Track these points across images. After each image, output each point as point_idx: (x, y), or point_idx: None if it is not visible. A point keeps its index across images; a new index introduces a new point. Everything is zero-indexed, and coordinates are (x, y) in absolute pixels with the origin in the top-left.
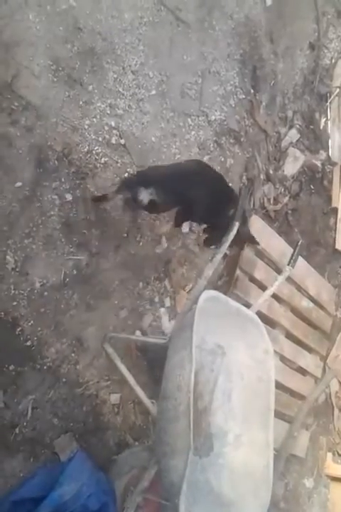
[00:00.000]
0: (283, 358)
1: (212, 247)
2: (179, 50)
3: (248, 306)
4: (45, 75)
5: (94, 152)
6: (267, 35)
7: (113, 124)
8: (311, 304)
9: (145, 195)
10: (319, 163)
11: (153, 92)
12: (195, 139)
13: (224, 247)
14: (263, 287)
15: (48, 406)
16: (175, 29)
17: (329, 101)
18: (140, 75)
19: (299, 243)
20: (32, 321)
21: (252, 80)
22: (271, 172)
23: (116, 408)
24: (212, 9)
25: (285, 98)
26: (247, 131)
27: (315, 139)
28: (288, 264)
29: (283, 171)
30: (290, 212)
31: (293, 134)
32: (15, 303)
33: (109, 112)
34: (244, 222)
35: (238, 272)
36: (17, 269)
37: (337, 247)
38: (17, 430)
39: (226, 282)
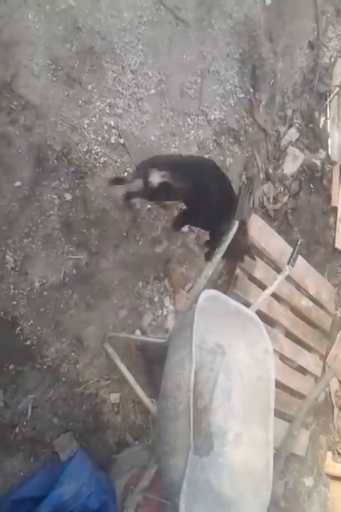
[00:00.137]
0: (282, 357)
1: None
2: (178, 50)
3: (248, 305)
4: (45, 75)
5: (93, 151)
6: (266, 34)
7: (112, 123)
8: (311, 303)
9: (156, 177)
10: (318, 162)
11: (153, 91)
12: (195, 138)
13: (224, 247)
14: (262, 286)
15: (48, 405)
16: (174, 28)
17: (328, 100)
18: (139, 74)
19: (299, 242)
20: (32, 321)
21: (251, 79)
22: (271, 171)
23: (116, 407)
24: (211, 8)
25: (285, 97)
26: (247, 130)
27: (314, 138)
28: (288, 263)
29: (283, 170)
30: (289, 211)
31: (293, 133)
32: (14, 302)
33: (108, 111)
34: (245, 234)
35: (238, 271)
36: (16, 269)
37: (336, 246)
38: (17, 429)
39: (226, 281)
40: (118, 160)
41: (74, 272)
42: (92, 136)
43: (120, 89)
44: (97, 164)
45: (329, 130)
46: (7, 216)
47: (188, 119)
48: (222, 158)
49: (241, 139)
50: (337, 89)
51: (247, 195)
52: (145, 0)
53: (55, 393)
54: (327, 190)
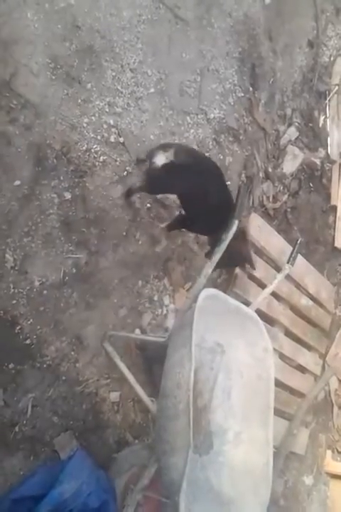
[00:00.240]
0: (282, 356)
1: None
2: (178, 48)
3: (247, 304)
4: (44, 73)
5: (92, 150)
6: (266, 33)
7: (112, 122)
8: (310, 302)
9: (161, 158)
10: (318, 161)
11: (152, 90)
12: (194, 137)
13: (224, 246)
14: (262, 285)
15: (48, 404)
16: (173, 27)
17: (328, 99)
18: (138, 73)
19: (298, 241)
20: (31, 320)
21: (251, 78)
22: (270, 170)
23: (115, 406)
24: (211, 7)
25: (284, 96)
26: (246, 129)
27: (314, 137)
28: (288, 262)
29: (282, 168)
30: (289, 210)
31: (292, 132)
32: (14, 301)
33: (107, 110)
34: (246, 242)
35: (237, 270)
36: (16, 268)
37: (336, 245)
38: (17, 428)
39: (226, 280)
40: (118, 159)
41: (74, 271)
42: (92, 135)
43: (119, 87)
44: (97, 163)
45: (328, 129)
46: (7, 215)
47: (188, 117)
48: (221, 157)
49: (241, 137)
50: (337, 88)
51: (246, 194)
52: None
53: (55, 392)
54: (327, 189)
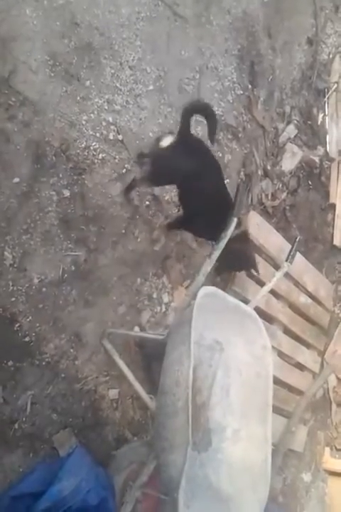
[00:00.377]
0: (281, 354)
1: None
2: (176, 46)
3: (246, 302)
4: (43, 70)
5: (91, 148)
6: (265, 30)
7: (110, 119)
8: (309, 300)
9: (167, 140)
10: (317, 159)
11: (151, 87)
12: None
13: (223, 244)
14: (261, 283)
15: (47, 401)
16: (172, 24)
17: (327, 96)
18: (137, 70)
19: (297, 239)
20: (30, 317)
21: (250, 76)
22: (269, 168)
23: (114, 403)
24: (210, 4)
25: (283, 93)
26: (245, 126)
27: (312, 135)
28: (286, 260)
29: (281, 166)
30: (288, 208)
31: (291, 130)
32: (13, 299)
33: (106, 107)
34: (248, 244)
35: None
36: (15, 265)
37: (334, 242)
38: (16, 425)
39: (225, 278)
40: (117, 156)
41: (73, 268)
42: (91, 133)
43: (118, 85)
44: (96, 160)
45: (327, 127)
46: (5, 213)
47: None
48: (220, 155)
49: (240, 135)
50: (335, 85)
51: (245, 192)
52: None
53: (54, 389)
54: (326, 186)
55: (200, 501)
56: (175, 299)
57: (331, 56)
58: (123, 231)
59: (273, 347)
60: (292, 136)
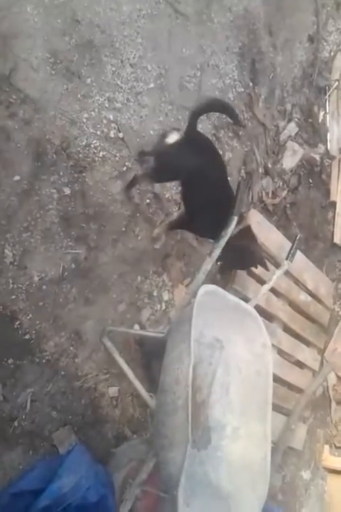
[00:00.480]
0: (280, 352)
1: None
2: (178, 43)
3: (246, 300)
4: (43, 68)
5: (92, 146)
6: (266, 27)
7: (111, 117)
8: (309, 298)
9: (174, 136)
10: (317, 157)
11: (152, 85)
12: None
13: (223, 242)
14: (261, 281)
15: (47, 399)
16: (173, 21)
17: (328, 94)
18: (138, 68)
19: (297, 237)
20: (30, 315)
21: (251, 73)
22: (270, 166)
23: (114, 401)
24: (211, 1)
25: (284, 91)
26: (246, 124)
27: (313, 133)
28: (287, 259)
29: (282, 164)
30: (288, 206)
31: (292, 128)
32: (13, 297)
33: (107, 105)
34: (256, 243)
35: None
36: (15, 263)
37: (335, 240)
38: (16, 423)
39: (225, 277)
40: (117, 154)
41: (73, 266)
42: (91, 130)
43: (119, 83)
44: (96, 158)
45: (328, 124)
46: (6, 210)
47: (187, 113)
48: (221, 153)
49: (241, 133)
50: (337, 83)
51: (246, 190)
52: None
53: (54, 387)
54: (326, 184)
55: (200, 499)
56: (175, 297)
57: (332, 54)
58: (124, 229)
59: (273, 345)
60: (293, 134)
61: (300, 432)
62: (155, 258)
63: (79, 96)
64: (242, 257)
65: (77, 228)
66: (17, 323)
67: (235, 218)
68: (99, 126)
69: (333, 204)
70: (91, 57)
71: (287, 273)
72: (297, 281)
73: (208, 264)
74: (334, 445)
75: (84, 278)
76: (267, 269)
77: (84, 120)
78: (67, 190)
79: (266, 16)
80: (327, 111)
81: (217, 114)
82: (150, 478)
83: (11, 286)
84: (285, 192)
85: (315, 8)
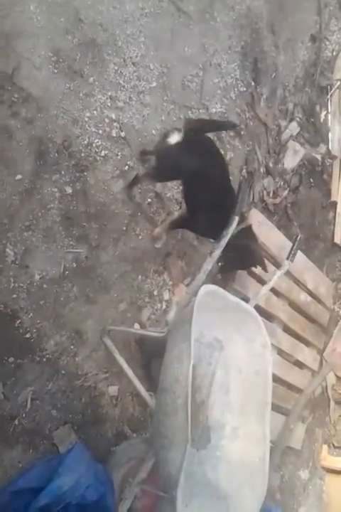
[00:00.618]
0: (280, 352)
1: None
2: (180, 42)
3: (247, 300)
4: (46, 67)
5: (94, 145)
6: (268, 26)
7: (113, 116)
8: (309, 298)
9: (175, 137)
10: (319, 157)
11: (154, 84)
12: None
13: (224, 242)
14: (261, 281)
15: (47, 398)
16: (176, 20)
17: (329, 94)
18: (141, 66)
19: (298, 238)
20: (31, 314)
21: (253, 73)
22: (271, 165)
23: (114, 400)
24: (214, 0)
25: (286, 91)
26: (247, 124)
27: (315, 132)
28: (287, 259)
29: (283, 164)
30: (289, 205)
31: (293, 127)
32: (14, 295)
33: (109, 104)
34: (257, 243)
35: None
36: (17, 262)
37: (335, 240)
38: (16, 421)
39: (225, 276)
40: (119, 153)
41: (74, 265)
42: (93, 130)
43: (121, 81)
44: (98, 157)
45: (330, 124)
46: (8, 209)
47: (189, 112)
48: (222, 152)
49: (242, 132)
50: (339, 83)
51: (247, 190)
52: None
53: (54, 386)
54: (327, 184)
55: (199, 498)
56: (175, 296)
57: (335, 53)
58: (125, 228)
59: (272, 345)
60: (294, 134)
61: (298, 432)
62: (156, 257)
63: (81, 95)
64: (243, 256)
65: (78, 227)
66: (18, 321)
67: (236, 218)
68: (101, 125)
69: (334, 204)
70: (93, 56)
71: (287, 273)
72: (297, 281)
73: (209, 264)
74: (333, 445)
75: (85, 277)
76: (266, 270)
77: (86, 119)
78: (69, 189)
79: (269, 15)
80: (329, 110)
81: None
82: (149, 477)
83: (12, 285)
84: (286, 192)
85: (317, 8)
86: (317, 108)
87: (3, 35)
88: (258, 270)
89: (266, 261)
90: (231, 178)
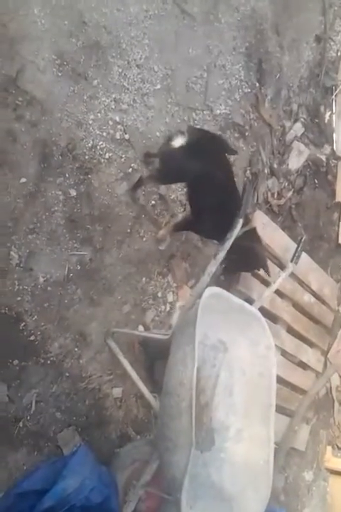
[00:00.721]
0: (284, 353)
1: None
2: (184, 44)
3: (251, 301)
4: (50, 70)
5: (98, 147)
6: (273, 27)
7: (117, 118)
8: (313, 299)
9: (179, 140)
10: (323, 157)
11: (158, 86)
12: None
13: (228, 244)
14: (266, 283)
15: (52, 400)
16: (180, 22)
17: (334, 94)
18: (145, 69)
19: (302, 239)
20: (36, 316)
21: (257, 74)
22: (275, 166)
23: (118, 402)
24: (218, 1)
25: (291, 91)
26: (252, 125)
27: (319, 133)
28: (292, 261)
29: (288, 165)
30: (293, 206)
31: (298, 128)
32: (19, 298)
33: (113, 106)
34: (261, 246)
35: None
36: (21, 265)
37: (340, 241)
38: (21, 424)
39: (229, 278)
40: (123, 156)
41: (79, 267)
42: (97, 132)
43: (125, 84)
44: (102, 160)
45: (334, 125)
46: (12, 212)
47: (193, 114)
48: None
49: (247, 134)
50: None
51: (251, 192)
52: None
53: (59, 388)
54: (332, 185)
55: (203, 501)
56: (179, 298)
57: (339, 53)
58: (129, 230)
59: (276, 346)
60: (299, 135)
61: (302, 433)
62: (160, 259)
63: (85, 97)
64: (246, 259)
65: (82, 230)
66: (22, 324)
67: (241, 220)
68: (105, 127)
69: (338, 205)
70: (97, 59)
71: (291, 274)
72: (301, 283)
73: (213, 267)
74: (337, 446)
75: (89, 279)
76: (269, 274)
77: (91, 122)
78: (73, 192)
79: (273, 15)
80: (334, 111)
81: None
82: (153, 480)
83: (17, 287)
84: (291, 193)
85: (322, 8)
86: (322, 109)
87: (7, 39)
88: (262, 272)
89: (270, 263)
90: (235, 179)
